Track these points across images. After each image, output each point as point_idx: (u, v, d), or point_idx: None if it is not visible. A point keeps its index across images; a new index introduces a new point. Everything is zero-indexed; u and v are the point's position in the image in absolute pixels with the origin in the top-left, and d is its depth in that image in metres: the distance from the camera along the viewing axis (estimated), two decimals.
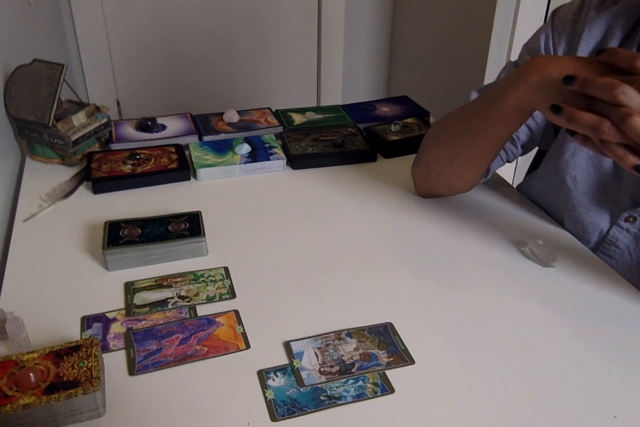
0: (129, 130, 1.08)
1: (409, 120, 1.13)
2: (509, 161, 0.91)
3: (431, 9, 2.10)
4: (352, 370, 0.61)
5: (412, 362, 0.62)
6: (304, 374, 0.60)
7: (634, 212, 0.78)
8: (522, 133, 0.87)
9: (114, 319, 0.67)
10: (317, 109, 1.19)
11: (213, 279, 0.74)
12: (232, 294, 0.71)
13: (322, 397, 0.58)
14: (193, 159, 1.00)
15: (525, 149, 0.90)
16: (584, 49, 0.78)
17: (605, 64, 0.61)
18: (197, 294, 0.71)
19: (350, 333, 0.66)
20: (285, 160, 1.01)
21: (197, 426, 0.55)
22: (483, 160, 0.82)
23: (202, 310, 0.69)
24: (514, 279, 0.75)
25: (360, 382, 0.59)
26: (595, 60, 0.62)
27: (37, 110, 0.96)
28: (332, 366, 0.61)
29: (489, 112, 0.73)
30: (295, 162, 1.02)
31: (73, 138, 0.98)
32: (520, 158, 0.97)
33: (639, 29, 0.74)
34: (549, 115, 0.64)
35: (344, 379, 0.60)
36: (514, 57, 0.86)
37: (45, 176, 0.97)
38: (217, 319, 0.67)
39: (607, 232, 0.81)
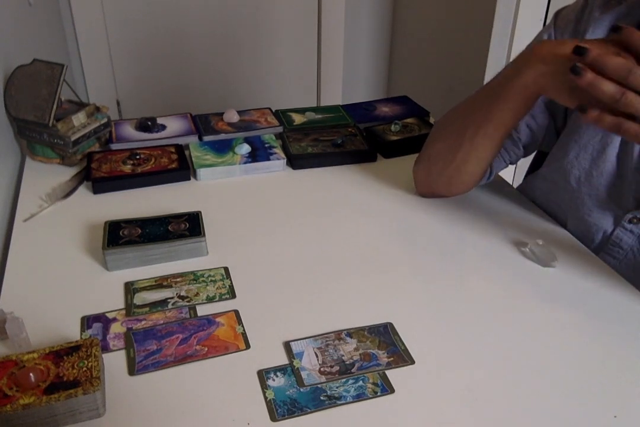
0: (129, 130, 1.08)
1: (409, 120, 1.13)
2: (511, 163, 0.91)
3: (431, 9, 2.10)
4: (352, 370, 0.61)
5: (412, 362, 0.62)
6: (304, 374, 0.60)
7: (638, 213, 0.78)
8: (523, 133, 0.87)
9: (114, 319, 0.67)
10: (317, 109, 1.19)
11: (213, 279, 0.74)
12: (232, 294, 0.71)
13: (322, 397, 0.58)
14: (193, 159, 1.00)
15: (528, 150, 0.90)
16: None
17: (615, 45, 0.60)
18: (197, 294, 0.71)
19: (350, 333, 0.66)
20: (285, 160, 1.01)
21: (197, 426, 0.55)
22: (486, 153, 0.81)
23: (202, 310, 0.69)
24: (514, 279, 0.75)
25: (360, 382, 0.59)
26: (604, 41, 0.62)
27: (37, 110, 0.96)
28: (332, 366, 0.61)
29: (494, 100, 0.74)
30: (295, 162, 1.02)
31: (73, 138, 0.98)
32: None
33: None
34: (559, 95, 0.65)
35: (344, 379, 0.60)
36: (514, 57, 0.86)
37: (45, 176, 0.97)
38: (217, 319, 0.67)
39: (611, 233, 0.81)
